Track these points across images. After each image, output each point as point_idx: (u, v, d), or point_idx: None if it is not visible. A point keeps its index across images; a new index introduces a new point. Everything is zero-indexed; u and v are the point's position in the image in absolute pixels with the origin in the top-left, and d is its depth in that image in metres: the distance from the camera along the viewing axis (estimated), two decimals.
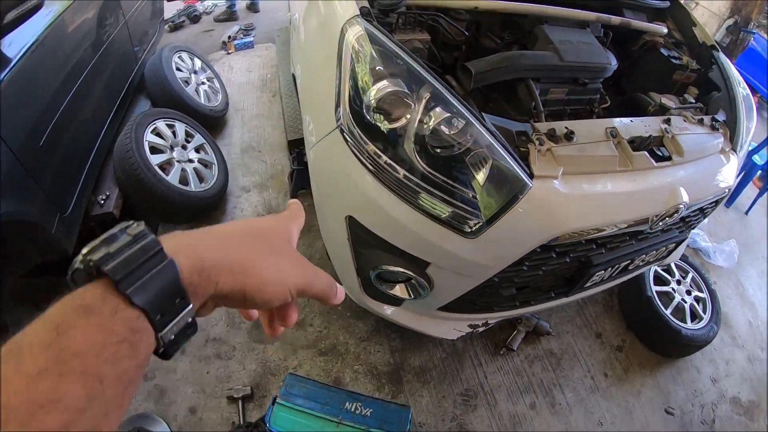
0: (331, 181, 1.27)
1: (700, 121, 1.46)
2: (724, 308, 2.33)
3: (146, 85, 2.45)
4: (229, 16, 4.10)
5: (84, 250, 0.30)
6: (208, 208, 2.25)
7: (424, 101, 1.02)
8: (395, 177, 1.07)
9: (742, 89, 1.62)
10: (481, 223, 1.08)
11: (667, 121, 1.37)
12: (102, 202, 1.97)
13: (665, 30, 1.71)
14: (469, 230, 1.09)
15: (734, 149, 1.49)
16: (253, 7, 4.43)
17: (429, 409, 1.82)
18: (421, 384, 1.89)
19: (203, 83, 2.75)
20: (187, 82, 2.59)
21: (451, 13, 1.36)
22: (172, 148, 2.18)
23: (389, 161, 1.06)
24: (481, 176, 1.04)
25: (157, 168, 2.02)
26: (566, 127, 1.18)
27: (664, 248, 1.53)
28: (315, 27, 1.43)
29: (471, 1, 1.33)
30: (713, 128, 1.47)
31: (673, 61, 1.60)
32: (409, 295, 1.30)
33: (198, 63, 2.78)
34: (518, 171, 1.06)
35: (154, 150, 2.10)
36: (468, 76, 1.21)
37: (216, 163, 2.36)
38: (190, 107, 2.48)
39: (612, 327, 2.25)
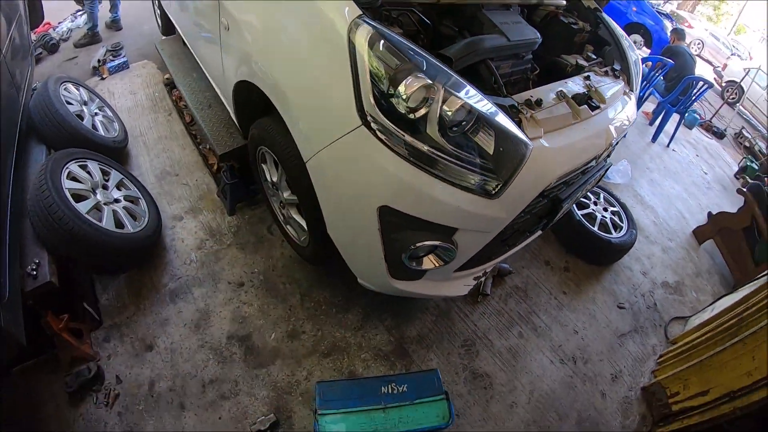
0: (356, 178, 1.31)
1: (606, 73, 1.85)
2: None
3: (37, 127, 2.12)
4: (91, 39, 3.66)
5: None
6: (151, 246, 2.09)
7: (443, 89, 1.16)
8: (429, 158, 1.20)
9: (625, 40, 2.04)
10: (500, 185, 1.27)
11: (587, 78, 1.72)
12: (34, 272, 1.70)
13: (564, 1, 2.05)
14: (493, 192, 1.27)
15: (632, 90, 1.91)
16: (115, 25, 4.02)
17: (441, 368, 1.96)
18: (425, 349, 2.03)
19: (96, 114, 2.46)
20: (81, 116, 2.30)
21: (414, 7, 1.49)
22: (94, 191, 1.96)
23: (423, 145, 1.18)
24: (492, 146, 1.21)
25: (88, 216, 1.82)
26: (532, 96, 1.45)
27: (599, 176, 1.91)
28: (295, 33, 1.37)
29: None
30: (615, 76, 1.88)
31: (573, 26, 1.92)
32: (438, 263, 1.43)
33: (84, 93, 2.47)
34: (522, 136, 1.26)
35: (77, 197, 1.87)
36: (448, 63, 1.35)
37: (141, 197, 2.17)
38: (94, 142, 2.22)
39: (555, 254, 2.65)
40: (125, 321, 1.96)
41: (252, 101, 1.90)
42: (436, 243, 1.37)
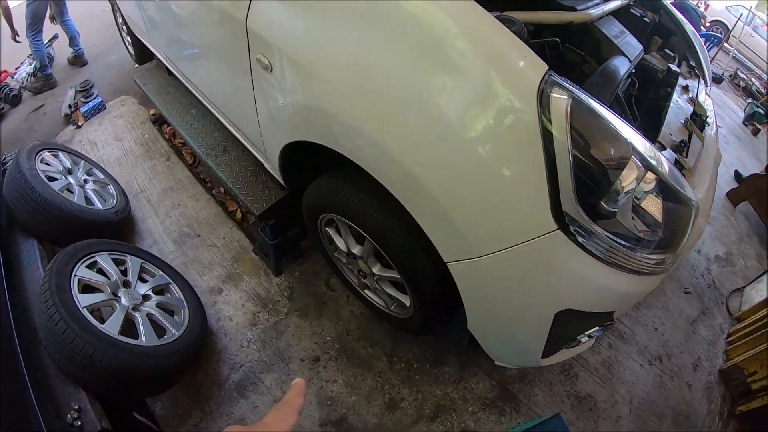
0: (535, 286, 0.96)
1: (689, 73, 1.59)
2: None
3: (18, 218, 1.52)
4: (45, 82, 2.80)
5: None
6: (201, 347, 1.61)
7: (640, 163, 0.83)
8: (626, 256, 0.88)
9: (689, 28, 1.76)
10: (672, 257, 0.97)
11: (686, 89, 1.43)
12: (78, 422, 1.21)
13: None
14: (663, 270, 0.99)
15: (707, 86, 1.64)
16: (79, 60, 3.14)
17: (547, 399, 1.77)
18: (529, 385, 1.80)
19: (86, 181, 1.83)
20: (69, 190, 1.69)
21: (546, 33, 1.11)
22: (116, 296, 1.45)
23: (623, 242, 0.87)
24: (660, 212, 0.90)
25: (123, 338, 1.33)
26: (674, 137, 1.15)
27: None
28: (441, 96, 0.87)
29: (566, 15, 1.10)
30: (696, 75, 1.61)
31: (645, 19, 1.59)
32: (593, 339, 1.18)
33: (66, 159, 1.80)
34: (691, 195, 0.95)
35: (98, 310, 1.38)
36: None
37: (172, 281, 1.67)
38: (92, 222, 1.63)
39: None
40: (194, 431, 1.56)
41: (305, 160, 1.46)
42: (601, 327, 1.11)
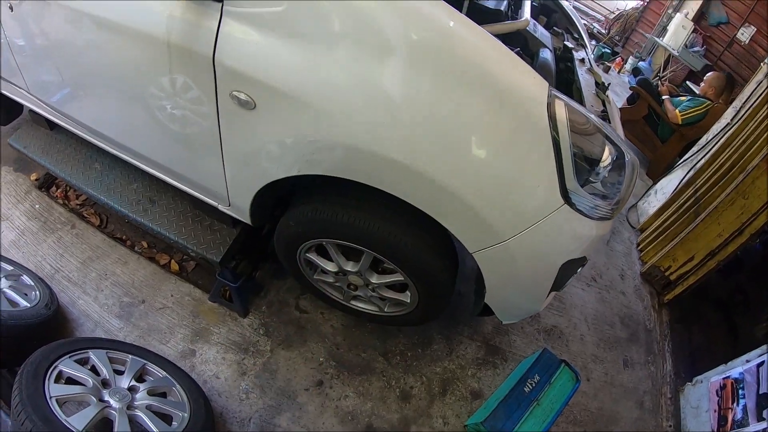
0: (549, 252, 1.26)
1: (577, 46, 1.97)
2: None
3: None
4: None
5: None
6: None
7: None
8: (602, 209, 1.21)
9: (565, 4, 2.16)
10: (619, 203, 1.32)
11: (583, 61, 1.79)
12: None
13: None
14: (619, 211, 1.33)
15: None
16: None
17: (526, 342, 2.18)
18: (505, 335, 2.17)
19: None
20: None
21: None
22: (103, 401, 1.36)
23: (601, 199, 1.19)
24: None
25: None
26: (592, 106, 1.51)
27: None
28: (470, 116, 1.06)
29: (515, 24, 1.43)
30: (582, 46, 2.00)
31: (533, 3, 1.93)
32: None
33: None
34: (628, 152, 1.28)
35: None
36: None
37: (147, 360, 1.58)
38: (27, 325, 1.45)
39: None
40: None
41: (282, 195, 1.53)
42: (582, 265, 1.46)
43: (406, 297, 1.63)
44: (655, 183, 3.02)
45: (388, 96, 1.05)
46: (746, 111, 2.34)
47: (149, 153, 1.63)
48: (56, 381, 1.34)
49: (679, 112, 3.41)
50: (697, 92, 3.81)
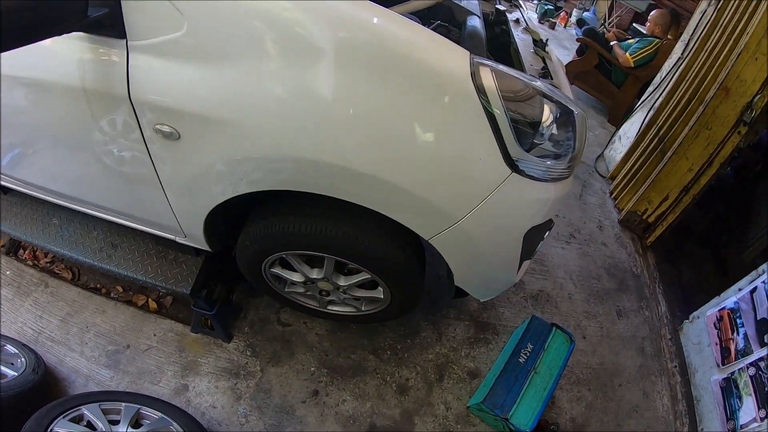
0: (507, 223, 1.23)
1: (511, 7, 1.94)
2: None
3: None
4: None
5: None
6: None
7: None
8: (556, 170, 1.18)
9: None
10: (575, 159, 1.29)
11: (517, 21, 1.76)
12: None
13: None
14: (573, 169, 1.29)
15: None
16: None
17: (511, 310, 2.18)
18: (492, 308, 2.17)
19: None
20: None
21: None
22: None
23: (553, 161, 1.16)
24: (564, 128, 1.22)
25: None
26: (532, 65, 1.48)
27: None
28: (396, 105, 1.02)
29: None
30: (514, 6, 1.97)
31: None
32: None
33: None
34: (574, 107, 1.24)
35: None
36: None
37: (141, 405, 1.57)
38: (18, 393, 1.43)
39: None
40: None
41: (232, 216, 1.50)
42: (549, 229, 1.45)
43: (378, 293, 1.61)
44: (617, 129, 2.99)
45: (304, 100, 1.03)
46: (695, 42, 2.30)
47: (98, 200, 1.61)
48: None
49: (630, 55, 3.38)
50: (645, 33, 3.77)
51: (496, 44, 1.76)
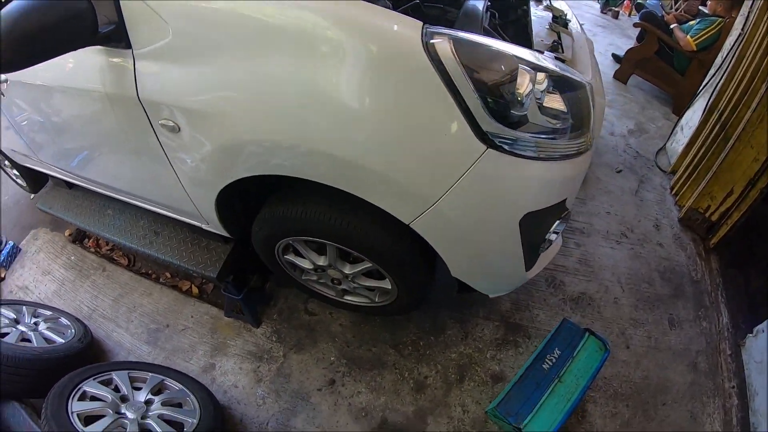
0: (492, 205, 1.14)
1: None
2: None
3: None
4: None
5: None
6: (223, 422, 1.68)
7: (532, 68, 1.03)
8: (553, 146, 1.08)
9: None
10: (590, 136, 1.18)
11: (539, 1, 1.73)
12: None
13: None
14: (587, 148, 1.18)
15: None
16: None
17: (547, 313, 2.00)
18: (527, 310, 2.00)
19: (37, 324, 1.85)
20: (26, 339, 1.72)
21: None
22: (120, 413, 1.49)
23: (545, 136, 1.06)
24: (562, 102, 1.10)
25: None
26: (543, 40, 1.46)
27: None
28: (353, 85, 1.02)
29: None
30: None
31: None
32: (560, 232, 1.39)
33: (7, 311, 1.82)
34: (582, 79, 1.16)
35: None
36: None
37: (165, 377, 1.69)
38: (62, 358, 1.64)
39: None
40: None
41: (242, 202, 1.57)
42: (561, 219, 1.31)
43: (386, 284, 1.58)
44: (679, 119, 2.66)
45: (269, 87, 1.07)
46: (755, 11, 1.98)
47: (138, 191, 1.78)
48: (80, 399, 1.50)
49: (691, 37, 3.01)
50: (707, 12, 3.34)
51: (518, 28, 1.67)
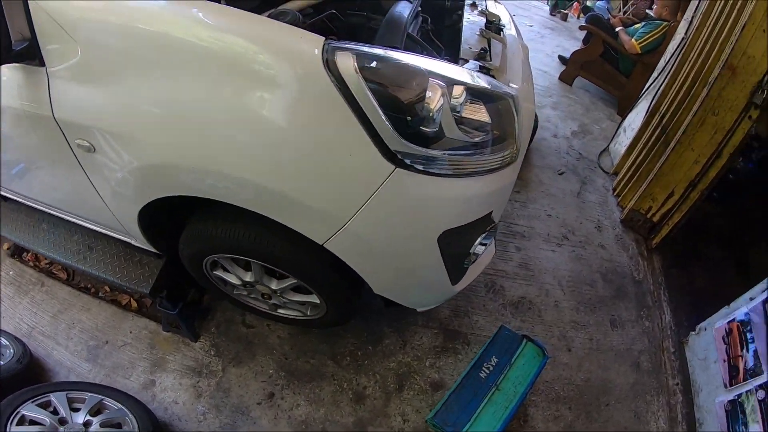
0: (406, 224, 1.12)
1: None
2: None
3: None
4: None
5: None
6: None
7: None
8: (472, 162, 1.06)
9: None
10: (517, 147, 1.16)
11: (474, 5, 1.73)
12: None
13: None
14: (514, 157, 1.16)
15: None
16: None
17: (487, 319, 2.01)
18: (466, 316, 2.02)
19: None
20: None
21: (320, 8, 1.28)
22: None
23: (463, 152, 1.04)
24: (486, 114, 1.07)
25: None
26: (471, 47, 1.45)
27: None
28: (256, 106, 0.99)
29: None
30: None
31: None
32: (487, 245, 1.35)
33: None
34: (507, 90, 1.14)
35: None
36: None
37: (104, 396, 1.66)
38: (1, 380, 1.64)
39: None
40: None
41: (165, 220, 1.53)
42: (487, 233, 1.29)
43: (314, 298, 1.56)
44: (622, 120, 2.69)
45: (173, 110, 1.04)
46: (698, 18, 2.00)
47: (66, 206, 1.75)
48: (19, 424, 1.47)
49: (636, 40, 3.05)
50: (653, 16, 3.38)
51: (453, 33, 1.65)
